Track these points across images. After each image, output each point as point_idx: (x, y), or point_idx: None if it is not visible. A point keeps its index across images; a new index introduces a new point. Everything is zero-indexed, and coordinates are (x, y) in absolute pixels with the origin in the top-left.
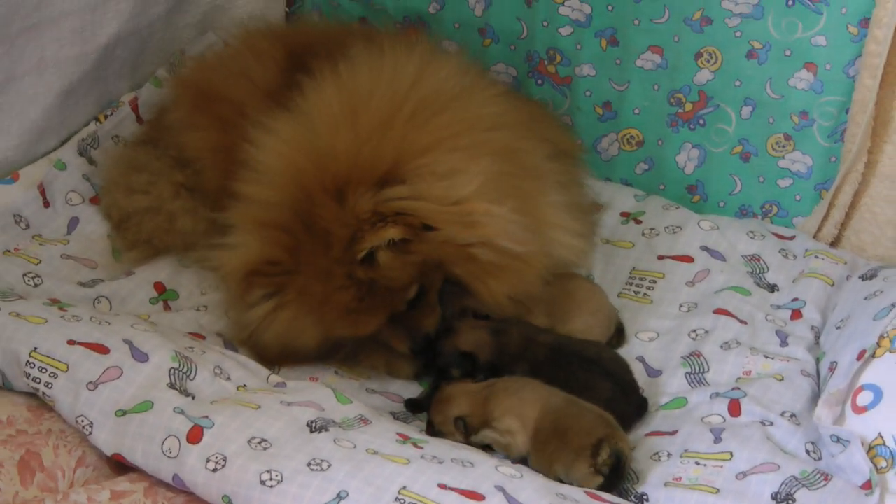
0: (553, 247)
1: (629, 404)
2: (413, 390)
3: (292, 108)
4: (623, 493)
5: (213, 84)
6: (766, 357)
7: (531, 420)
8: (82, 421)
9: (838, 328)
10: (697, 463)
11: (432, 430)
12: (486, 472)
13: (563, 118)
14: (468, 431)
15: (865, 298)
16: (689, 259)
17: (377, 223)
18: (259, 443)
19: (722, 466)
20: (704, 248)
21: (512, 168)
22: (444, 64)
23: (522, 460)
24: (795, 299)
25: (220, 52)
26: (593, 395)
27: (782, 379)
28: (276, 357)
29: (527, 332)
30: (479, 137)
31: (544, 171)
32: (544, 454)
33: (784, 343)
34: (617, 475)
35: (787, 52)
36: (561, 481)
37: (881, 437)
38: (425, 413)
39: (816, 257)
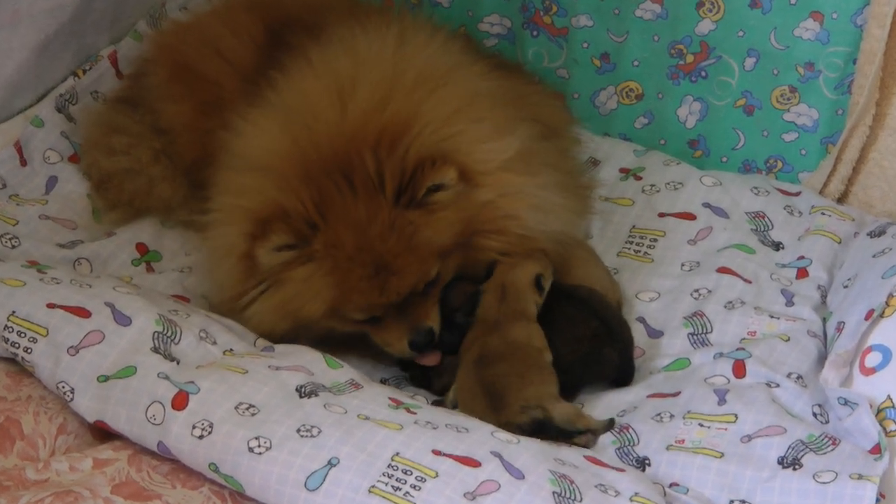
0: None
1: (613, 343)
2: None
3: (267, 104)
4: (623, 456)
5: (190, 58)
6: (772, 317)
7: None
8: (63, 387)
9: (846, 287)
10: (701, 425)
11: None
12: (481, 437)
13: (559, 71)
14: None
15: (874, 256)
16: (690, 216)
17: (437, 162)
18: (247, 408)
19: (726, 429)
20: (707, 205)
21: (525, 143)
22: (425, 41)
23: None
24: (801, 257)
25: (198, 19)
26: (577, 328)
27: (788, 339)
28: (265, 330)
29: None
30: (489, 108)
31: (536, 151)
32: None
33: (790, 302)
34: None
35: (792, 1)
36: None
37: (890, 399)
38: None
39: (823, 214)
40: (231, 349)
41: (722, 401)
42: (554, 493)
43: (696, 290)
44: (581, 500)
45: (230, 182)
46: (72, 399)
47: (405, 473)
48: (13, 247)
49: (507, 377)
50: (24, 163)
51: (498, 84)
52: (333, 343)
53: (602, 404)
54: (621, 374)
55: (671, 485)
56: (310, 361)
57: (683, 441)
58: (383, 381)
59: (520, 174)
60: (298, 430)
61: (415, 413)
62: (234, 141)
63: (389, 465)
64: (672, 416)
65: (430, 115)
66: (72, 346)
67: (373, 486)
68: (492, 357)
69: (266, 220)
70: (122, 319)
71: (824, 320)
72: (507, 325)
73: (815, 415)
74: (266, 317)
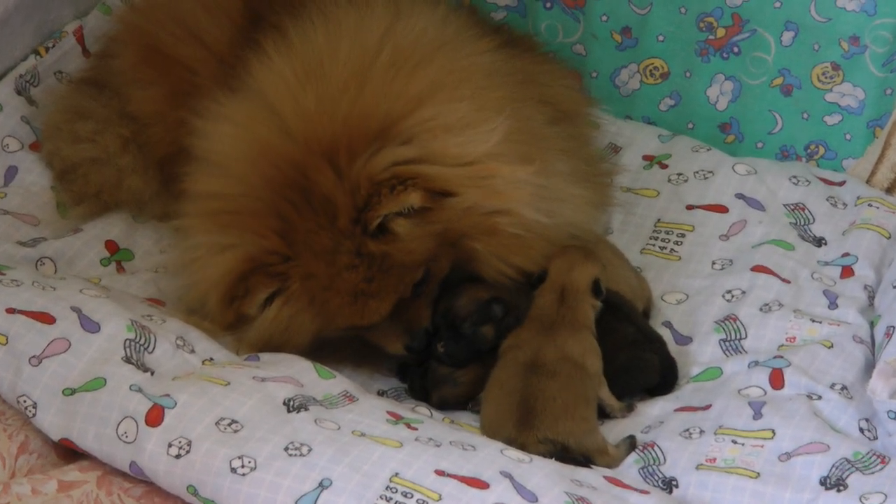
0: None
1: (652, 347)
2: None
3: (240, 89)
4: (648, 477)
5: (161, 40)
6: (813, 321)
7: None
8: (25, 401)
9: (895, 287)
10: (734, 441)
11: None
12: (489, 456)
13: (576, 47)
14: None
15: None
16: (722, 209)
17: (396, 186)
18: (229, 424)
19: (762, 446)
20: (740, 196)
21: (521, 125)
22: (419, 15)
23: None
24: (846, 254)
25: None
26: (617, 336)
27: (831, 346)
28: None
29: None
30: (480, 87)
31: (544, 136)
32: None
33: (833, 305)
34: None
35: None
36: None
37: None
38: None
39: (870, 205)
40: (211, 358)
41: (758, 414)
42: None
43: (729, 291)
44: None
45: (196, 210)
46: (34, 414)
47: (405, 496)
48: None
49: (553, 400)
50: None
51: (502, 62)
52: (325, 351)
53: (625, 419)
54: (665, 376)
55: None
56: (299, 371)
57: (715, 459)
58: (381, 393)
59: (509, 163)
60: (286, 449)
61: (416, 428)
62: (200, 141)
63: (388, 487)
64: (702, 431)
65: (400, 102)
66: (34, 356)
67: None
68: (546, 369)
69: (242, 277)
70: (90, 326)
71: (872, 324)
72: (564, 334)
73: (861, 430)
74: (250, 349)
